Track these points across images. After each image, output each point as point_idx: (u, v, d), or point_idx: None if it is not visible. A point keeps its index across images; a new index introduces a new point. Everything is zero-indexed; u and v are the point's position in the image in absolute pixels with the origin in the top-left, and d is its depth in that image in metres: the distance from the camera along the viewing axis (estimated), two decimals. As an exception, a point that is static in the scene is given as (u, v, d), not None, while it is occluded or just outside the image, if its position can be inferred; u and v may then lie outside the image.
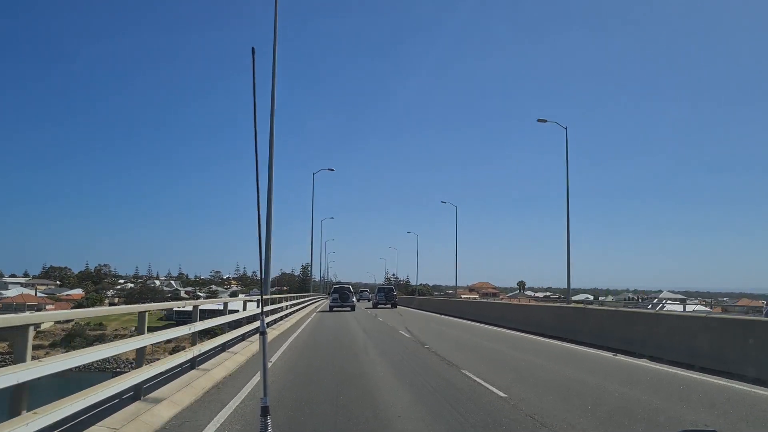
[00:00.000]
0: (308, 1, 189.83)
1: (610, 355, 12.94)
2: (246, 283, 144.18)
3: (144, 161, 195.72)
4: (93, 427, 5.17)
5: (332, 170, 37.92)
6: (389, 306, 46.22)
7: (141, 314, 6.62)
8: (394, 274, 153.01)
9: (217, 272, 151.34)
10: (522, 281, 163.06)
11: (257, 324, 13.92)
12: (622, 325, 14.55)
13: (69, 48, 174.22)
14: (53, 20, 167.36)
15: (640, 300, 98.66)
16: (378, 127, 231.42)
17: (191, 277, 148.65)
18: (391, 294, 48.09)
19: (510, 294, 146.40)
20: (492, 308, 29.03)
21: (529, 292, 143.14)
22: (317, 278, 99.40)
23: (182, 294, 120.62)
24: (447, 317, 31.88)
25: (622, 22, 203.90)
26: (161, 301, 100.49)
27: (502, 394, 7.74)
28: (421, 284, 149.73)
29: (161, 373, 7.19)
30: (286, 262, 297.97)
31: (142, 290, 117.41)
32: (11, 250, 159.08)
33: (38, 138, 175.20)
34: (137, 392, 6.31)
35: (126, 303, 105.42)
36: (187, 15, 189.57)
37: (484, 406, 7.10)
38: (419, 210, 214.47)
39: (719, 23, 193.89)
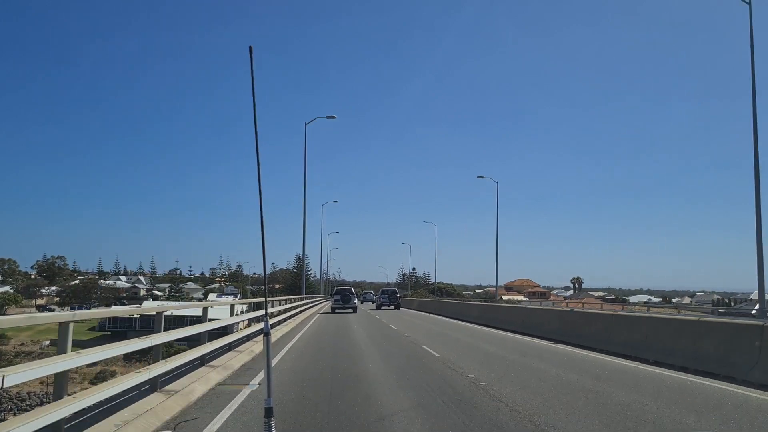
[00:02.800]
0: (312, 1, 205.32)
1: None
2: (234, 279, 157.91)
3: (136, 159, 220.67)
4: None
5: (332, 117, 47.25)
6: (392, 308, 55.78)
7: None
8: (414, 269, 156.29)
9: (213, 269, 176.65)
10: (578, 277, 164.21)
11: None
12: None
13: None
14: (56, 20, 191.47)
15: (732, 303, 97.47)
16: (382, 127, 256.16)
17: (185, 273, 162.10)
18: (395, 296, 58.62)
19: (563, 294, 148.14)
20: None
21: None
22: (317, 275, 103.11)
23: (142, 293, 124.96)
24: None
25: (627, 21, 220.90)
26: (111, 301, 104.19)
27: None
28: (441, 282, 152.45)
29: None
30: (283, 258, 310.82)
31: (86, 287, 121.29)
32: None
33: (30, 136, 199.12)
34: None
35: (60, 304, 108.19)
36: (190, 14, 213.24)
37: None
38: (429, 208, 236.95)
39: (724, 21, 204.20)
